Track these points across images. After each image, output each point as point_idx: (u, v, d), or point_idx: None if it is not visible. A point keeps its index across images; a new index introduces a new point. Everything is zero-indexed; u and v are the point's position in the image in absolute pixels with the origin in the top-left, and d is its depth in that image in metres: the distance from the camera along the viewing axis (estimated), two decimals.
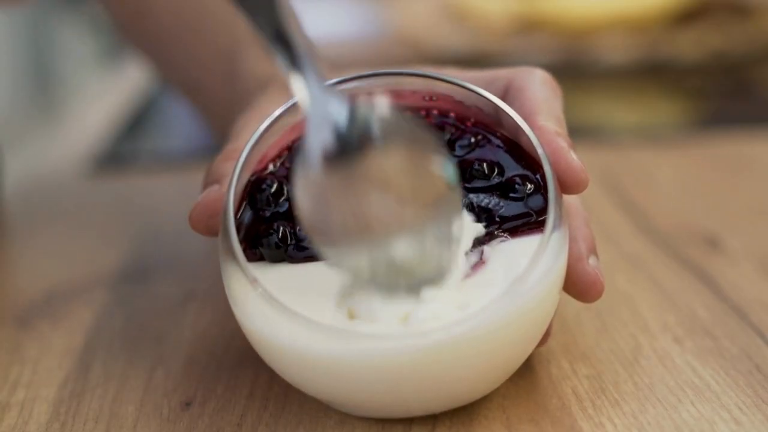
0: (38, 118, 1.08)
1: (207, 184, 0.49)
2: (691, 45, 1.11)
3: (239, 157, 0.46)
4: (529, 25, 1.15)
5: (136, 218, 0.74)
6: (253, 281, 0.42)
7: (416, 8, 1.27)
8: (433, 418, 0.45)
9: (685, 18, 1.14)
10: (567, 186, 0.45)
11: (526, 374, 0.48)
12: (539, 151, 0.44)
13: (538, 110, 0.47)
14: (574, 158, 0.45)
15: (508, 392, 0.47)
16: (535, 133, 0.45)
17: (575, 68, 1.10)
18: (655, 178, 0.77)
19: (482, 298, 0.42)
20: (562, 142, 0.46)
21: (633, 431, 0.44)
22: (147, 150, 0.89)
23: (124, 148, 0.92)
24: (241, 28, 0.63)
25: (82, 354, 0.53)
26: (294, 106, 0.47)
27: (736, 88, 1.05)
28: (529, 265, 0.42)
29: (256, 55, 0.61)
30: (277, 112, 0.47)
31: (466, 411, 0.45)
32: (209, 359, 0.51)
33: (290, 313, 0.41)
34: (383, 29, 1.35)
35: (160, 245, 0.67)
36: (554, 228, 0.43)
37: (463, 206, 0.45)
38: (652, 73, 1.09)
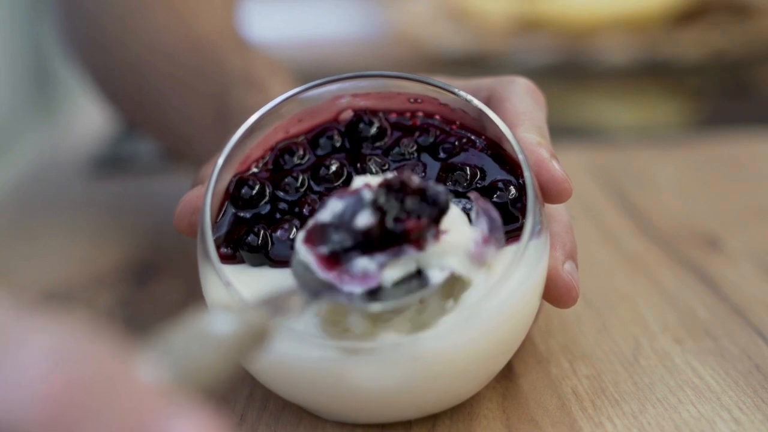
0: (38, 118, 1.08)
1: (193, 185, 0.49)
2: (691, 45, 1.11)
3: (218, 158, 0.45)
4: (529, 25, 1.15)
5: (136, 218, 0.74)
6: (227, 284, 0.42)
7: (416, 8, 1.26)
8: (434, 418, 0.45)
9: (685, 18, 1.14)
10: (550, 196, 0.45)
11: (526, 374, 0.48)
12: (520, 158, 0.44)
13: (519, 121, 0.47)
14: (556, 168, 0.45)
15: (508, 392, 0.47)
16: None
17: (575, 68, 1.10)
18: (655, 178, 0.77)
19: (459, 304, 0.42)
20: (545, 153, 0.45)
21: (633, 431, 0.44)
22: (146, 150, 0.89)
23: (124, 149, 0.92)
24: (227, 72, 0.64)
25: None
26: (274, 109, 0.47)
27: (736, 88, 1.05)
28: (504, 273, 0.41)
29: (245, 92, 0.61)
30: (258, 115, 0.46)
31: (466, 411, 0.45)
32: None
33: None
34: (383, 29, 1.35)
35: (160, 245, 0.67)
36: (532, 236, 0.42)
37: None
38: (652, 73, 1.09)
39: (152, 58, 0.68)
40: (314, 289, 0.39)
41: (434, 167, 0.46)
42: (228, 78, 0.63)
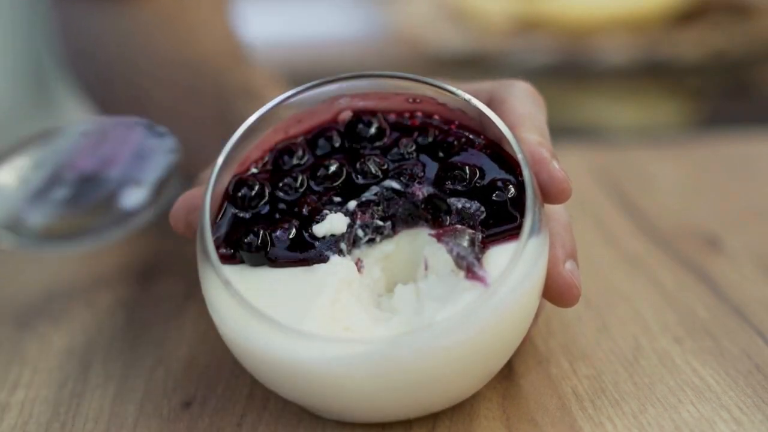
0: (38, 117, 1.08)
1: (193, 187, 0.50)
2: (691, 45, 1.11)
3: (216, 159, 0.45)
4: (529, 25, 1.15)
5: None
6: (227, 283, 0.42)
7: (416, 8, 1.27)
8: (434, 418, 0.45)
9: (685, 18, 1.14)
10: (550, 196, 0.45)
11: (526, 374, 0.48)
12: (519, 157, 0.44)
13: (520, 122, 0.47)
14: (556, 167, 0.45)
15: (508, 392, 0.47)
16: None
17: (575, 68, 1.10)
18: (655, 178, 0.77)
19: (458, 302, 0.42)
20: (545, 152, 0.45)
21: (633, 431, 0.44)
22: None
23: None
24: (228, 88, 0.64)
25: (82, 354, 0.53)
26: (273, 110, 0.47)
27: (736, 88, 1.05)
28: (504, 270, 0.41)
29: (246, 102, 0.61)
30: (257, 115, 0.46)
31: (466, 411, 0.45)
32: (209, 359, 0.51)
33: (262, 316, 0.41)
34: (383, 29, 1.35)
35: (160, 245, 0.67)
36: (531, 234, 0.42)
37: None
38: (652, 73, 1.09)
39: (153, 82, 0.68)
40: None
41: (433, 167, 0.46)
42: (229, 94, 0.63)
